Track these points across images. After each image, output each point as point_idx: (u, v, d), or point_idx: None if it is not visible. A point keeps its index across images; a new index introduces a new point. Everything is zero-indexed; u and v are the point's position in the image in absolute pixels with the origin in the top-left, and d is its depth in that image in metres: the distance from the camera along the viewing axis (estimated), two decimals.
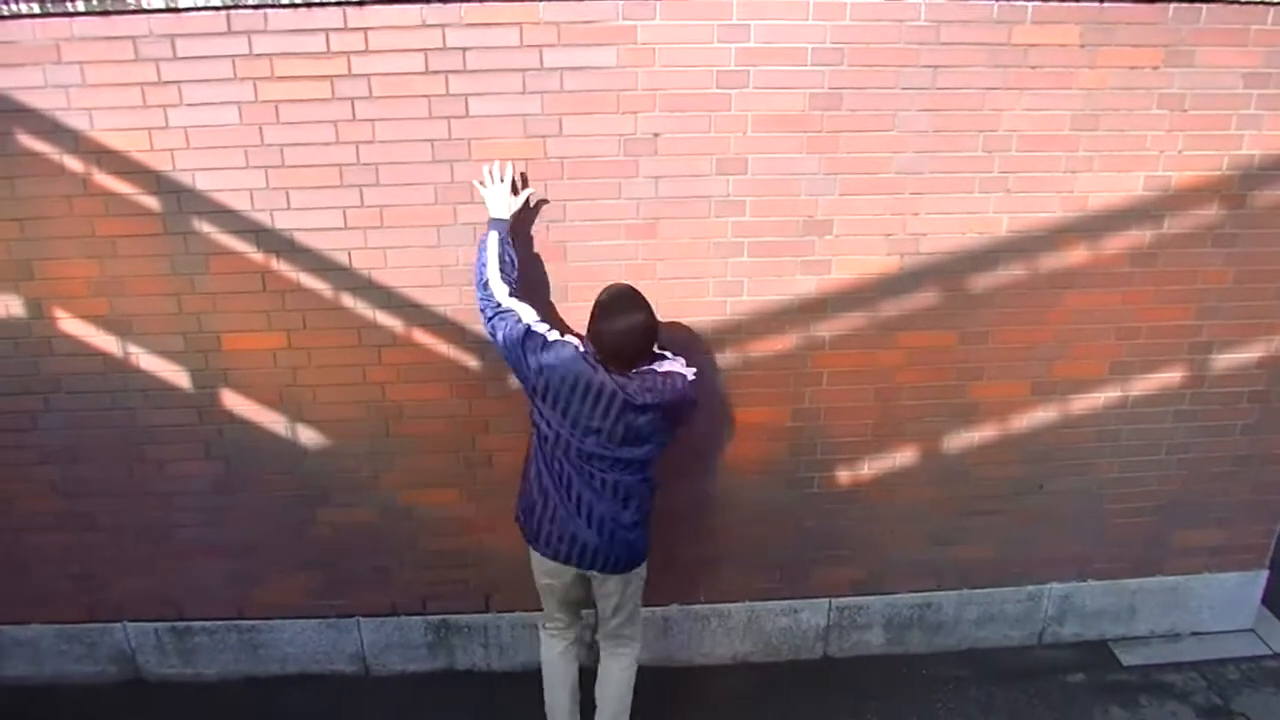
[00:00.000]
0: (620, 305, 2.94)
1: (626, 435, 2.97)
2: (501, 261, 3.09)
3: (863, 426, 3.74)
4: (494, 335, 3.05)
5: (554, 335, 3.00)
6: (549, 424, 3.00)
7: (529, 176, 3.29)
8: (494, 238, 3.12)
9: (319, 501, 3.73)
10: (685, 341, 3.45)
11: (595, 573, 3.17)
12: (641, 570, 3.30)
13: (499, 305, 3.04)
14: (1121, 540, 4.07)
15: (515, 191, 3.24)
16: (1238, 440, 3.92)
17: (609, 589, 3.24)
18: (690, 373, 3.08)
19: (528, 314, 3.03)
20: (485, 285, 3.08)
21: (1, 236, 3.32)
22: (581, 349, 2.98)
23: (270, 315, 3.45)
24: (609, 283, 3.08)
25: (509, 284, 3.08)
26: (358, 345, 3.50)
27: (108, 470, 3.65)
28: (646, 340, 2.97)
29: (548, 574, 3.25)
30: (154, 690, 4.01)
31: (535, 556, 3.24)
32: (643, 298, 2.98)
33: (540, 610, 3.45)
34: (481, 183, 3.21)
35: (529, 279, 3.32)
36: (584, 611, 3.48)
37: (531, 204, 3.31)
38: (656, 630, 4.01)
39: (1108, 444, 3.86)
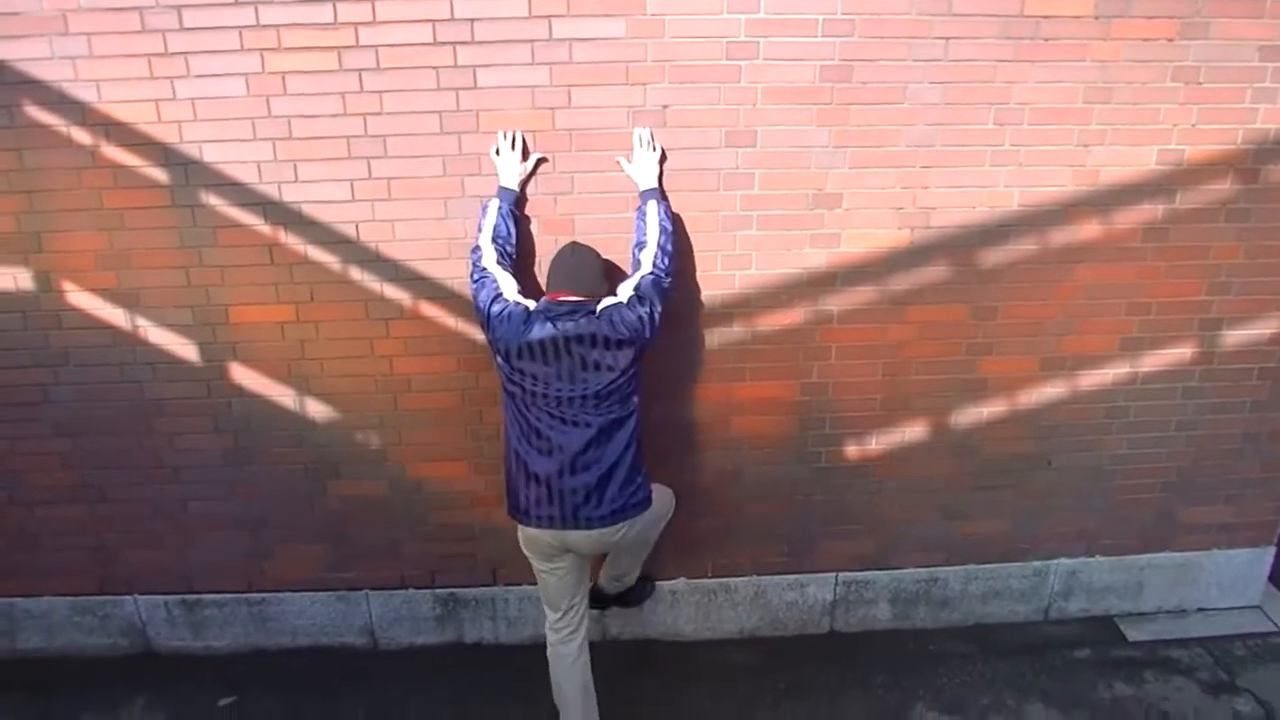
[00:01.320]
0: (564, 254, 3.10)
1: (583, 367, 2.97)
2: (496, 229, 3.14)
3: (871, 401, 3.73)
4: (474, 295, 3.11)
5: (513, 303, 3.02)
6: (514, 382, 3.02)
7: (538, 148, 3.28)
8: (495, 205, 3.17)
9: (328, 474, 3.75)
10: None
11: (590, 531, 3.11)
12: (642, 518, 3.24)
13: (484, 269, 3.09)
14: (1129, 516, 4.06)
15: (525, 159, 3.25)
16: (1247, 417, 3.90)
17: (605, 545, 3.24)
18: (626, 298, 3.04)
19: (506, 284, 3.06)
20: (478, 247, 3.14)
21: (9, 209, 3.32)
22: (529, 310, 3.00)
23: (278, 288, 3.45)
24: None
25: (498, 250, 3.12)
26: (365, 318, 3.50)
27: (117, 443, 3.66)
28: (590, 274, 3.08)
29: (542, 553, 3.22)
30: (165, 662, 4.04)
31: (527, 537, 3.21)
32: (582, 244, 3.17)
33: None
34: (497, 151, 3.21)
35: (531, 251, 3.34)
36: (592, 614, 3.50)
37: (539, 170, 3.30)
38: (664, 604, 4.03)
39: (1116, 420, 3.85)
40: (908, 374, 3.70)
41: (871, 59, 3.23)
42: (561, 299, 3.01)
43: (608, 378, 2.98)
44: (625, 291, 3.05)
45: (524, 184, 3.25)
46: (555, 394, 2.98)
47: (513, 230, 3.18)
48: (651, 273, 3.08)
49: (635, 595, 3.87)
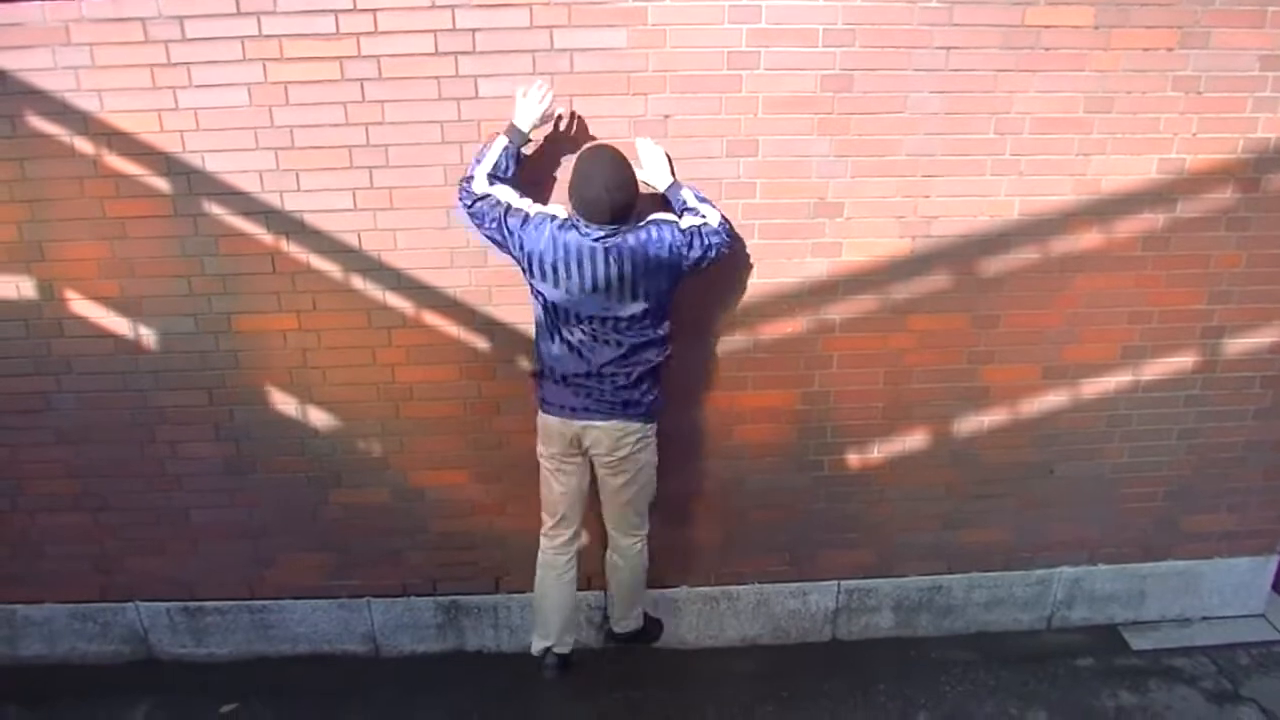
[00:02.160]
0: (596, 162, 3.01)
1: (620, 291, 3.03)
2: (496, 164, 3.08)
3: (873, 410, 3.73)
4: (478, 222, 3.09)
5: (535, 210, 3.05)
6: (545, 296, 3.07)
7: (540, 157, 3.28)
8: (501, 142, 3.08)
9: (330, 483, 3.75)
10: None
11: (599, 423, 3.22)
12: (645, 447, 3.33)
13: (475, 194, 3.07)
14: (1132, 524, 4.06)
15: (548, 109, 3.18)
16: (1249, 425, 3.89)
17: (614, 454, 3.29)
18: (672, 218, 3.11)
19: (507, 194, 3.07)
20: (470, 179, 3.09)
21: (12, 218, 3.33)
22: (559, 218, 3.04)
23: (280, 296, 3.46)
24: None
25: (494, 181, 3.09)
26: (368, 327, 3.50)
27: (119, 451, 3.67)
28: (626, 193, 3.00)
29: (554, 441, 3.31)
30: (166, 669, 4.04)
31: (543, 422, 3.33)
32: (617, 152, 3.05)
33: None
34: (524, 94, 3.11)
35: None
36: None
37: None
38: (666, 612, 4.02)
39: (1118, 428, 3.85)
40: (909, 382, 3.69)
41: (872, 69, 3.23)
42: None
43: (639, 306, 3.06)
44: (669, 215, 3.14)
45: (535, 129, 3.16)
46: (588, 313, 3.06)
47: (514, 171, 3.12)
48: (700, 214, 3.14)
49: (646, 635, 3.87)
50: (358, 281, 3.44)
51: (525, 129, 3.11)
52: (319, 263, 3.41)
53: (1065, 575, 4.14)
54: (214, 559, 3.88)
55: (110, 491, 3.74)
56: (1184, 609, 4.28)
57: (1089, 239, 3.52)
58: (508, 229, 3.03)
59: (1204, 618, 4.29)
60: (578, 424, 3.24)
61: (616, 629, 3.80)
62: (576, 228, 2.99)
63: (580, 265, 3.00)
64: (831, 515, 3.91)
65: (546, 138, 3.28)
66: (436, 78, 3.19)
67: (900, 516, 3.94)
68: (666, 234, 3.05)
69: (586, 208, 2.98)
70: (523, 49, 3.15)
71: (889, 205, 3.42)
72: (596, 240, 2.98)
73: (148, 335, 3.49)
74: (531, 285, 3.12)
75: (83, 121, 3.21)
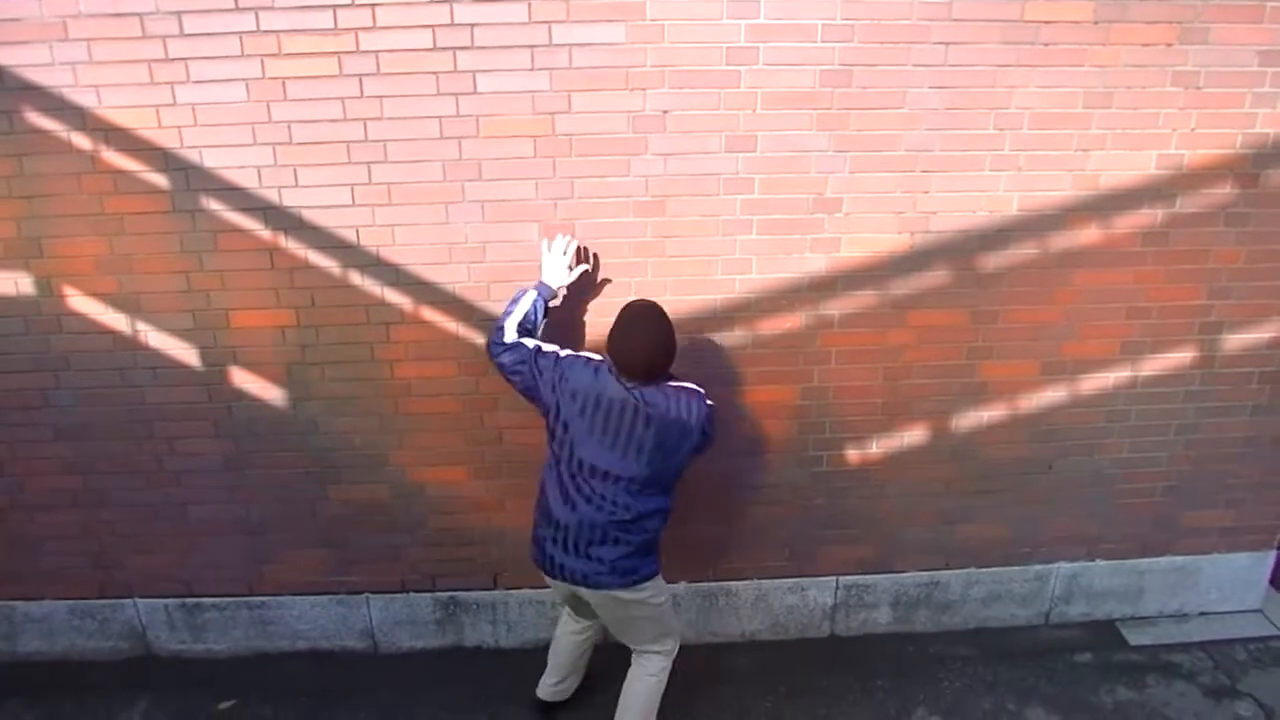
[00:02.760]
0: (642, 320, 2.94)
1: (631, 445, 2.93)
2: (525, 317, 3.09)
3: (871, 405, 3.73)
4: (505, 368, 3.06)
5: (565, 352, 3.03)
6: (572, 440, 2.97)
7: (537, 154, 3.29)
8: (531, 296, 3.13)
9: (328, 479, 3.75)
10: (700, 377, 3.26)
11: (583, 590, 3.07)
12: (643, 594, 3.12)
13: (505, 344, 3.06)
14: (1130, 520, 4.06)
15: (575, 263, 3.27)
16: (1248, 421, 3.90)
17: (604, 609, 3.17)
18: (703, 393, 3.03)
19: (534, 341, 3.06)
20: (501, 329, 3.09)
21: (11, 215, 3.32)
22: (594, 361, 3.01)
23: (279, 293, 3.45)
24: (632, 298, 3.13)
25: (522, 334, 3.08)
26: (366, 323, 3.50)
27: (118, 448, 3.67)
28: (666, 354, 2.96)
29: (554, 588, 3.25)
30: (165, 665, 4.04)
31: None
32: (663, 313, 2.98)
33: None
34: (549, 247, 3.22)
35: (529, 257, 3.34)
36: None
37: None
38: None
39: (1117, 424, 3.85)
40: (908, 378, 3.70)
41: (871, 64, 3.23)
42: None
43: (656, 472, 2.97)
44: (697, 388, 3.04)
45: (563, 288, 3.25)
46: (604, 466, 2.95)
47: (540, 323, 3.14)
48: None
49: None
50: (356, 277, 3.44)
51: (554, 285, 3.18)
52: (317, 258, 3.41)
53: (1063, 571, 4.14)
54: (212, 555, 3.87)
55: (109, 488, 3.74)
56: (1182, 604, 4.28)
57: (1088, 234, 3.52)
58: (538, 369, 2.98)
59: (1202, 613, 4.29)
60: (579, 589, 3.10)
61: None
62: (613, 374, 2.94)
63: (609, 413, 2.93)
64: (830, 511, 3.91)
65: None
66: (435, 73, 3.18)
67: (899, 512, 3.94)
68: (695, 409, 2.97)
69: (624, 360, 2.91)
70: (521, 44, 3.15)
71: (888, 201, 3.42)
72: (634, 390, 2.92)
73: (146, 331, 3.49)
74: (555, 431, 3.00)
75: (80, 117, 3.20)
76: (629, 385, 2.93)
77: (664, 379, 3.01)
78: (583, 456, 2.96)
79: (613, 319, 2.99)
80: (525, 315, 3.10)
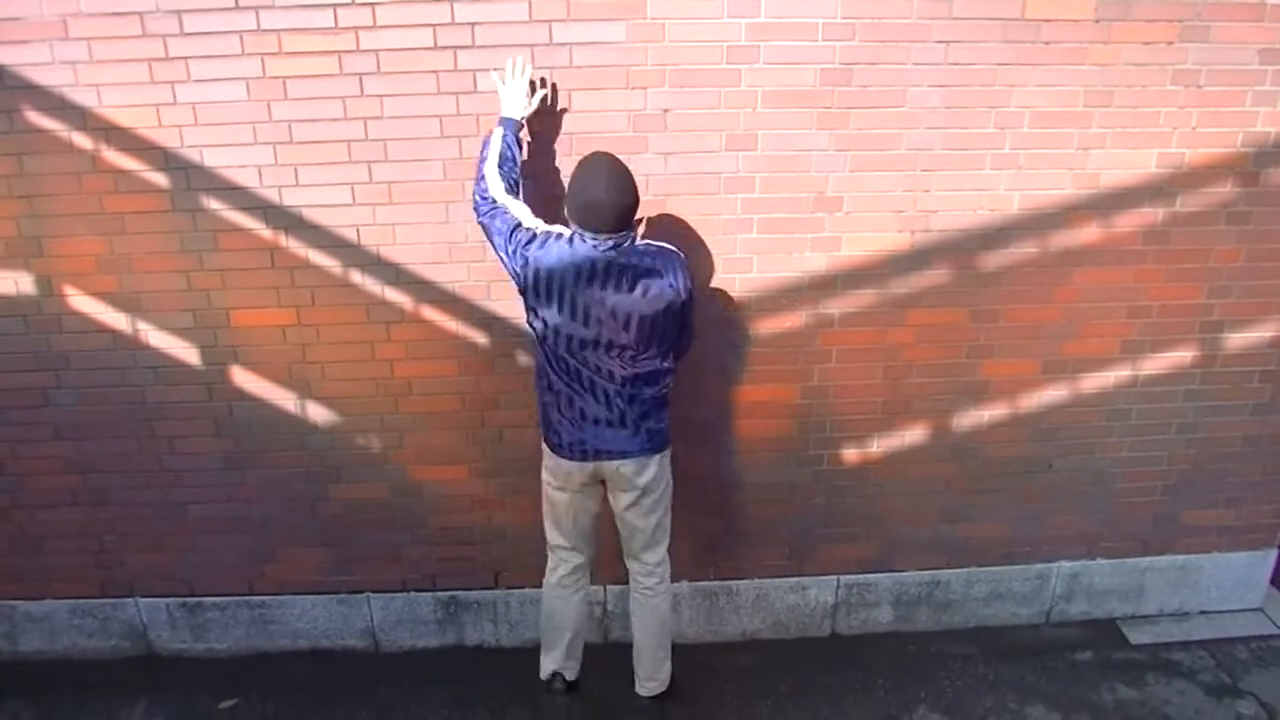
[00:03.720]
0: (597, 165, 2.87)
1: (630, 318, 2.91)
2: (502, 157, 3.01)
3: (872, 404, 3.73)
4: (487, 233, 3.00)
5: (542, 228, 2.94)
6: (545, 322, 2.96)
7: (538, 151, 3.28)
8: (499, 133, 3.03)
9: (329, 478, 3.75)
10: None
11: (616, 464, 3.12)
12: (664, 472, 3.25)
13: (493, 201, 2.98)
14: (1131, 519, 4.06)
15: (532, 91, 3.14)
16: (1248, 420, 3.89)
17: (631, 486, 3.19)
18: (681, 255, 3.03)
19: (518, 210, 2.98)
20: (482, 179, 3.01)
21: (10, 214, 3.32)
22: (565, 234, 2.91)
23: (279, 292, 3.45)
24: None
25: (506, 181, 3.00)
26: (366, 321, 3.50)
27: (119, 447, 3.67)
28: (631, 195, 2.86)
29: (564, 482, 3.23)
30: (166, 664, 4.04)
31: (552, 464, 3.22)
32: (615, 157, 2.92)
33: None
34: (502, 79, 3.09)
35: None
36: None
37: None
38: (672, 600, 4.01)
39: (1117, 423, 3.85)
40: (908, 377, 3.70)
41: (872, 63, 3.22)
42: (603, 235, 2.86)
43: (649, 336, 2.97)
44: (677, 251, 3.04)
45: (527, 115, 3.13)
46: (593, 337, 2.94)
47: (518, 156, 3.07)
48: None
49: (672, 697, 3.65)
50: (356, 276, 3.44)
51: (518, 115, 3.07)
52: (318, 258, 3.41)
53: (1064, 570, 4.14)
54: (213, 554, 3.88)
55: (109, 487, 3.74)
56: (1182, 603, 4.28)
57: (1088, 233, 3.51)
58: (511, 245, 2.92)
59: (1202, 612, 4.29)
60: (592, 464, 3.14)
61: (642, 690, 3.58)
62: (584, 240, 2.85)
63: (590, 282, 2.87)
64: (831, 510, 3.91)
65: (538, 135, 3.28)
66: (435, 72, 3.18)
67: (899, 511, 3.94)
68: (674, 264, 2.97)
69: (588, 212, 2.81)
70: (522, 43, 3.14)
71: (888, 200, 3.42)
72: (608, 252, 2.85)
73: (147, 330, 3.49)
74: (533, 311, 2.99)
75: (81, 116, 3.20)
76: (606, 245, 2.85)
77: (634, 234, 2.95)
78: (570, 333, 2.95)
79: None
80: (501, 155, 2.99)
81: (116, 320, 3.47)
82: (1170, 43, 3.26)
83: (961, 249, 3.50)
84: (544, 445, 3.24)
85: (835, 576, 4.07)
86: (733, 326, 3.57)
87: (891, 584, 4.11)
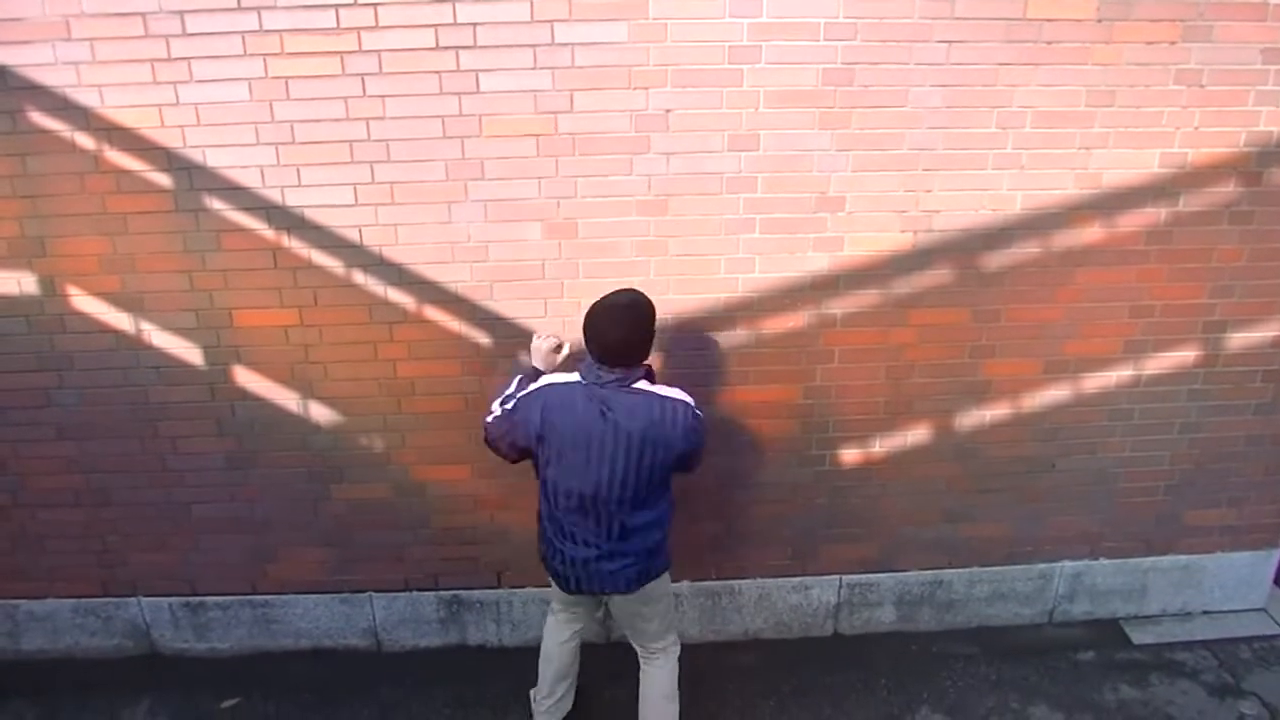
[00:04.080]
0: (615, 302, 2.82)
1: (604, 463, 2.80)
2: (506, 396, 2.99)
3: (874, 404, 3.73)
4: (498, 446, 2.96)
5: (533, 386, 2.91)
6: (547, 470, 2.89)
7: (540, 153, 3.29)
8: (517, 381, 3.02)
9: (331, 478, 3.75)
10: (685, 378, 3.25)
11: (611, 595, 3.08)
12: (661, 587, 3.17)
13: (494, 417, 2.96)
14: (1133, 519, 4.06)
15: (558, 350, 3.17)
16: (1251, 420, 3.89)
17: (629, 608, 3.16)
18: (692, 404, 2.89)
19: (507, 391, 2.98)
20: (490, 412, 2.99)
21: (14, 214, 3.33)
22: (564, 382, 2.86)
23: (282, 292, 3.45)
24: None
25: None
26: (369, 322, 3.50)
27: (121, 446, 3.67)
28: (641, 331, 2.82)
29: (564, 602, 3.25)
30: (168, 664, 4.05)
31: (553, 585, 3.19)
32: (638, 295, 2.86)
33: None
34: (539, 336, 3.16)
35: (532, 256, 3.36)
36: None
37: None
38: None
39: (1120, 423, 3.85)
40: (911, 377, 3.69)
41: (874, 63, 3.22)
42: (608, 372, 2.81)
43: (645, 480, 2.86)
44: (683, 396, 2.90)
45: (550, 370, 3.12)
46: (579, 490, 2.85)
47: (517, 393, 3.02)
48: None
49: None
50: (359, 277, 3.44)
51: (543, 368, 3.09)
52: (320, 258, 3.41)
53: (1067, 569, 4.14)
54: (216, 554, 3.88)
55: (112, 487, 3.75)
56: (1185, 603, 4.28)
57: (1091, 233, 3.51)
58: (514, 419, 2.88)
59: (1205, 612, 4.29)
60: (584, 596, 3.12)
61: None
62: (585, 382, 2.80)
63: (582, 438, 2.79)
64: (833, 510, 3.91)
65: None
66: (437, 72, 3.18)
67: (902, 511, 3.94)
68: (681, 418, 2.84)
69: (597, 339, 2.77)
70: (524, 43, 3.14)
71: (890, 199, 3.42)
72: (608, 403, 2.78)
73: (149, 331, 3.50)
74: (536, 460, 2.93)
75: (84, 117, 3.20)
76: (605, 379, 2.79)
77: (644, 375, 2.88)
78: (569, 487, 2.86)
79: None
80: (508, 394, 2.98)
81: (119, 320, 3.48)
82: (1173, 42, 3.26)
83: (964, 249, 3.50)
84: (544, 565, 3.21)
85: (838, 576, 4.07)
86: (735, 326, 3.57)
87: (894, 584, 4.10)
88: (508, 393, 2.98)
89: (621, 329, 2.77)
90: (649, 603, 3.15)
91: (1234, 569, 4.22)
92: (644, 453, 2.81)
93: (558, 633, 3.40)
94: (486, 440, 3.00)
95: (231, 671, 4.00)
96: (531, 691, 3.53)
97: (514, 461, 3.01)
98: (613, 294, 2.86)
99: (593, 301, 2.84)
